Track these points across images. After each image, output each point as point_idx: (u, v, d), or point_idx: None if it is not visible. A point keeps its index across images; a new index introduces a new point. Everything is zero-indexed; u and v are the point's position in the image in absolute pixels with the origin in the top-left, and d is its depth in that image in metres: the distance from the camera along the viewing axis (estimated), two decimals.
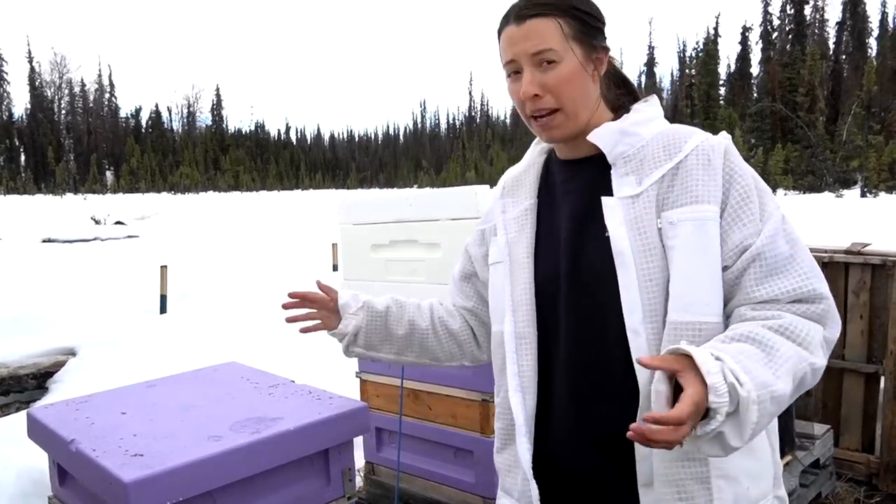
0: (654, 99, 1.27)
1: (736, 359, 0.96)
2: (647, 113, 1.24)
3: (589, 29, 1.21)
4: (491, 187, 2.39)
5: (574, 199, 1.25)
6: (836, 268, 3.51)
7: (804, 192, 37.59)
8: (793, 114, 46.58)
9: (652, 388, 0.98)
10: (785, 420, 2.88)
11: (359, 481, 3.09)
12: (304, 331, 1.56)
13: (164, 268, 5.53)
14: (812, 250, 3.55)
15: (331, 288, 1.55)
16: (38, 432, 1.97)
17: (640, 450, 1.11)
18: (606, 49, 1.24)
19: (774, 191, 37.22)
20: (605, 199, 1.18)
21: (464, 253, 1.53)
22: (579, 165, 1.26)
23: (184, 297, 5.97)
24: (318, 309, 1.54)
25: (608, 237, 1.15)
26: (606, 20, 1.27)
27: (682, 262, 1.09)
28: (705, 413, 0.93)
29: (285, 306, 1.53)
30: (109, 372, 4.11)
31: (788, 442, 2.90)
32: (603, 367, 1.17)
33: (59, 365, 4.38)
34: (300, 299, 1.53)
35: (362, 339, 1.52)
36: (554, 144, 1.32)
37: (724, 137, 1.18)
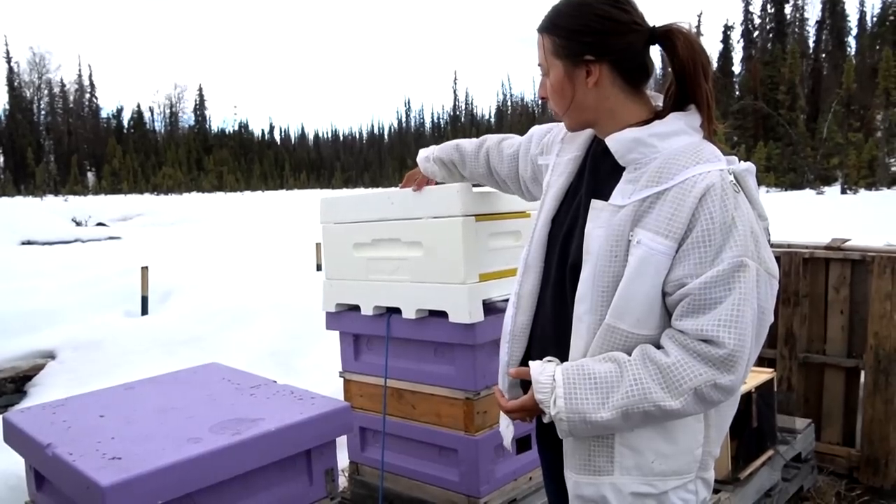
0: (690, 113, 1.31)
1: (568, 385, 1.25)
2: (674, 125, 1.29)
3: (569, 44, 1.32)
4: (474, 186, 2.38)
5: (593, 176, 1.40)
6: (816, 264, 3.54)
7: (786, 190, 37.92)
8: (774, 112, 46.99)
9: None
10: (767, 416, 2.90)
11: (343, 481, 3.07)
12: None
13: (144, 269, 5.46)
14: (792, 247, 3.61)
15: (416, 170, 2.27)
16: (14, 437, 1.94)
17: None
18: (594, 61, 1.31)
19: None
20: (594, 202, 1.32)
21: (526, 137, 1.80)
22: (608, 150, 1.37)
23: (166, 299, 5.90)
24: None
25: None
26: (612, 26, 1.29)
27: (626, 280, 1.23)
28: None
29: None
30: (89, 375, 4.05)
31: (770, 437, 2.92)
32: (560, 322, 1.37)
33: (37, 368, 4.29)
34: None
35: (444, 180, 2.19)
36: None
37: (713, 176, 1.20)
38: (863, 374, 3.39)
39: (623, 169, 1.31)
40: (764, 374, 2.95)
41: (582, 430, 1.26)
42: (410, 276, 2.45)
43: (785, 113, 46.97)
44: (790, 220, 12.19)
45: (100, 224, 24.85)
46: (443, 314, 2.38)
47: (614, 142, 1.31)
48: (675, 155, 1.25)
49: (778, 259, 3.62)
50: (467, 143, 2.07)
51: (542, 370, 1.31)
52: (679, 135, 1.28)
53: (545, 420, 1.32)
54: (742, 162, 1.29)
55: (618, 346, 1.26)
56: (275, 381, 2.22)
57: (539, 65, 1.41)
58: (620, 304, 1.24)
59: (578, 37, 1.31)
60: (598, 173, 1.40)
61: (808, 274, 3.56)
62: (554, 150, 1.57)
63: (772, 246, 3.71)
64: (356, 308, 2.68)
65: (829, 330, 3.52)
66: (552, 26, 1.35)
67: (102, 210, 28.93)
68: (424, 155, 2.19)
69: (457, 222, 2.28)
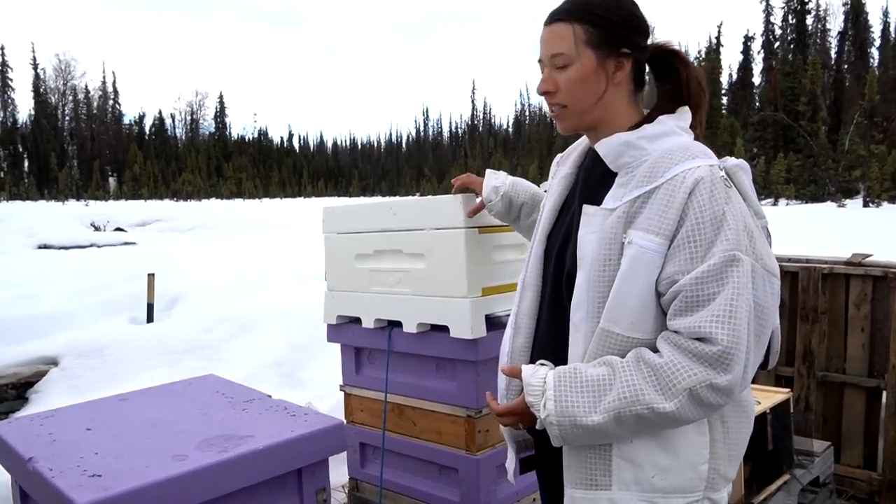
0: (683, 111, 1.31)
1: (559, 388, 1.21)
2: (664, 127, 1.28)
3: (606, 35, 1.29)
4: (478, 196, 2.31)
5: (585, 186, 1.38)
6: (836, 279, 3.43)
7: (806, 202, 37.41)
8: (795, 123, 46.48)
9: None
10: (783, 438, 2.79)
11: (343, 498, 3.00)
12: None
13: (151, 276, 5.43)
14: (811, 262, 3.50)
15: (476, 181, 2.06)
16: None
17: None
18: (627, 54, 1.30)
19: (776, 201, 37.06)
20: (585, 208, 1.30)
21: None
22: (601, 158, 1.34)
23: (172, 306, 5.85)
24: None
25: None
26: (642, 26, 1.32)
27: (619, 281, 1.20)
28: None
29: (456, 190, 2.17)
30: (91, 382, 4.03)
31: (786, 460, 2.81)
32: (557, 339, 1.33)
33: (39, 375, 4.26)
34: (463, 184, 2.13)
35: (498, 216, 1.97)
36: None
37: (702, 171, 1.18)
38: (884, 394, 3.27)
39: (614, 175, 1.29)
40: (780, 394, 2.84)
41: (574, 436, 1.21)
42: (412, 289, 2.38)
43: (806, 124, 46.45)
44: (810, 234, 11.99)
45: (118, 229, 25.10)
46: (444, 329, 2.30)
47: (604, 147, 1.30)
48: (665, 154, 1.23)
49: (795, 274, 3.52)
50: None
51: (534, 373, 1.26)
52: (669, 135, 1.27)
53: (537, 426, 1.25)
54: (734, 159, 1.27)
55: (613, 350, 1.22)
56: (269, 396, 2.15)
57: (553, 56, 1.31)
58: (614, 306, 1.20)
59: (616, 28, 1.29)
60: (588, 183, 1.38)
61: (827, 290, 3.45)
62: (551, 175, 1.56)
63: (789, 261, 3.63)
64: (357, 320, 2.62)
65: (849, 348, 3.40)
66: (587, 14, 1.29)
67: (122, 215, 29.21)
68: (495, 185, 1.93)
69: (459, 234, 2.21)
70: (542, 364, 1.30)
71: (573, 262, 1.29)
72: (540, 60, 1.36)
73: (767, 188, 39.07)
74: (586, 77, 1.30)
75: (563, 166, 1.50)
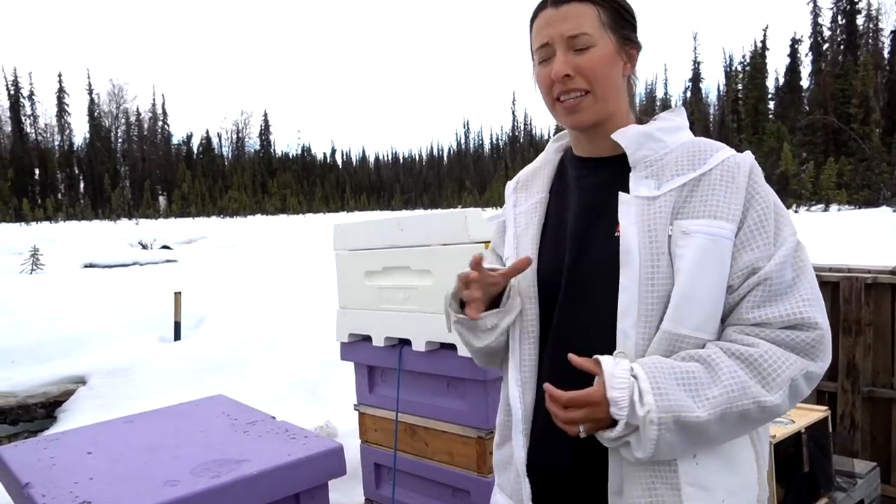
0: (680, 109, 1.27)
1: (653, 378, 1.01)
2: (674, 122, 1.22)
3: (623, 21, 1.21)
4: (491, 209, 2.23)
5: (585, 194, 1.23)
6: (881, 290, 3.25)
7: (859, 207, 36.07)
8: (846, 126, 45.02)
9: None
10: (820, 459, 2.62)
11: None
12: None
13: (177, 294, 5.49)
14: (853, 271, 3.32)
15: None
16: (2, 472, 1.89)
17: (612, 455, 1.11)
18: (638, 46, 1.24)
19: (827, 206, 35.87)
20: (622, 195, 1.15)
21: (491, 251, 1.47)
22: (597, 164, 1.25)
23: (199, 324, 5.90)
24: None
25: (617, 236, 1.13)
26: (638, 23, 1.25)
27: (687, 275, 1.07)
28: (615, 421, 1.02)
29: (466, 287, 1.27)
30: (118, 400, 4.07)
31: (825, 483, 2.64)
32: (573, 382, 1.11)
33: (68, 393, 4.33)
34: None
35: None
36: (572, 140, 1.31)
37: (749, 156, 1.17)
38: None
39: (621, 174, 1.18)
40: (816, 413, 2.67)
41: (669, 441, 1.01)
42: (420, 306, 2.32)
43: (858, 127, 44.94)
44: (862, 240, 11.51)
45: (164, 247, 25.66)
46: (453, 347, 2.23)
47: (624, 137, 1.18)
48: (696, 143, 1.18)
49: (836, 284, 3.35)
50: None
51: (617, 363, 1.04)
52: (682, 130, 1.22)
53: (613, 434, 1.03)
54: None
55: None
56: (273, 417, 2.11)
57: (573, 36, 1.16)
58: (681, 304, 1.06)
59: (630, 18, 1.23)
60: (584, 192, 1.23)
61: (871, 301, 3.26)
62: (509, 205, 1.37)
63: (830, 270, 3.45)
64: (368, 339, 2.56)
65: None
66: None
67: (170, 233, 29.93)
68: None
69: (465, 249, 2.14)
70: (620, 353, 1.09)
71: (605, 260, 1.14)
72: (546, 45, 1.18)
73: (818, 194, 37.85)
74: (612, 60, 1.17)
75: (528, 192, 1.34)
